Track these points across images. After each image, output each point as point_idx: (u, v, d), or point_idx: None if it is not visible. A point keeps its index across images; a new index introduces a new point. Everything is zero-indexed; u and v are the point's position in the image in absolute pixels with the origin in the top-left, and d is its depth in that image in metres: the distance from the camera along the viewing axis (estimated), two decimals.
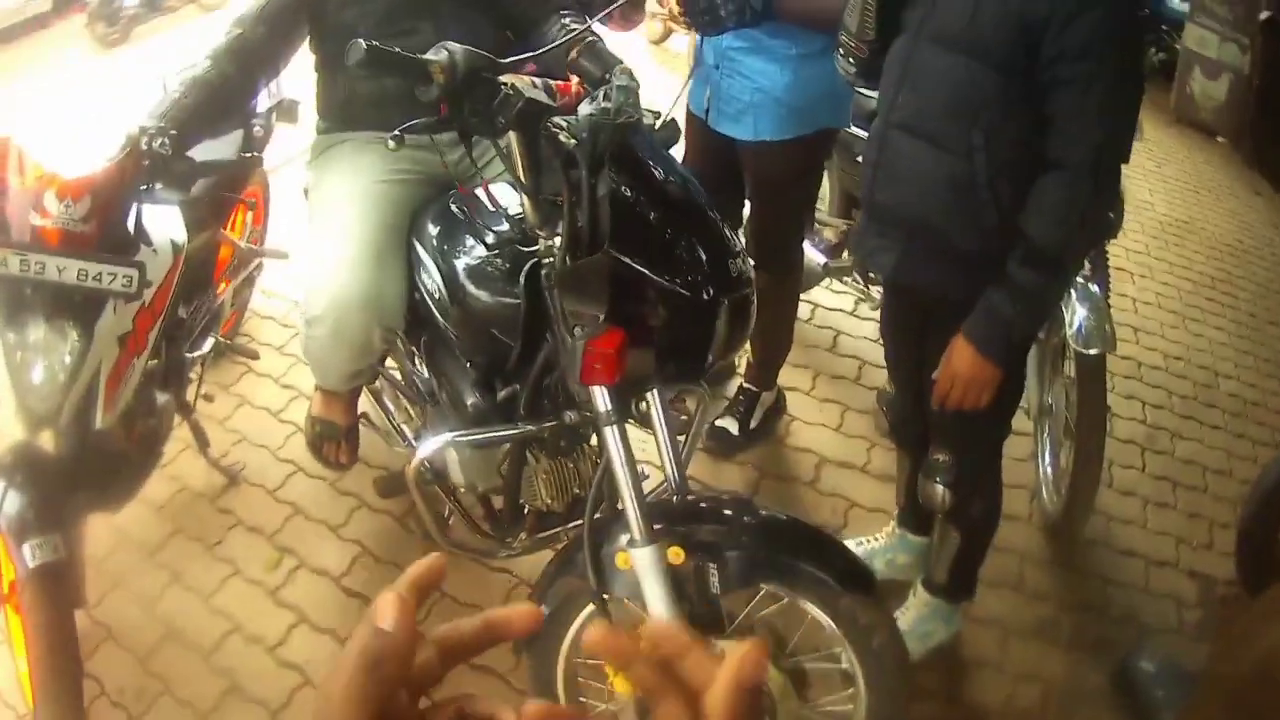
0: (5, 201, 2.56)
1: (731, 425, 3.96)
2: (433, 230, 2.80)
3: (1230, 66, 8.53)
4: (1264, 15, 8.17)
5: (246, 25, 2.89)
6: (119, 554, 3.43)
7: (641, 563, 2.13)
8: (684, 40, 6.49)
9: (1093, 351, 3.31)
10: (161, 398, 3.18)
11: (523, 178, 2.22)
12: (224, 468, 3.74)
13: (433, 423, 2.89)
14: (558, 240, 2.15)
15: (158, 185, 2.73)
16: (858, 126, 4.08)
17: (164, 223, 2.91)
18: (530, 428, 2.52)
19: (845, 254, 4.37)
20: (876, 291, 4.27)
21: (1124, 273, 5.80)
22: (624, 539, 2.19)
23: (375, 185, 2.93)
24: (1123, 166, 2.45)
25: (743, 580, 2.24)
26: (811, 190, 3.88)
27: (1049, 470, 3.85)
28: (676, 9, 3.22)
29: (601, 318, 2.10)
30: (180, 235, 2.94)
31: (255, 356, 4.18)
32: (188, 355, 3.41)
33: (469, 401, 2.64)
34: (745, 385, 4.02)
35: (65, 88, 7.30)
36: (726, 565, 2.19)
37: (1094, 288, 3.42)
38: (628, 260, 2.10)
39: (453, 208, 2.81)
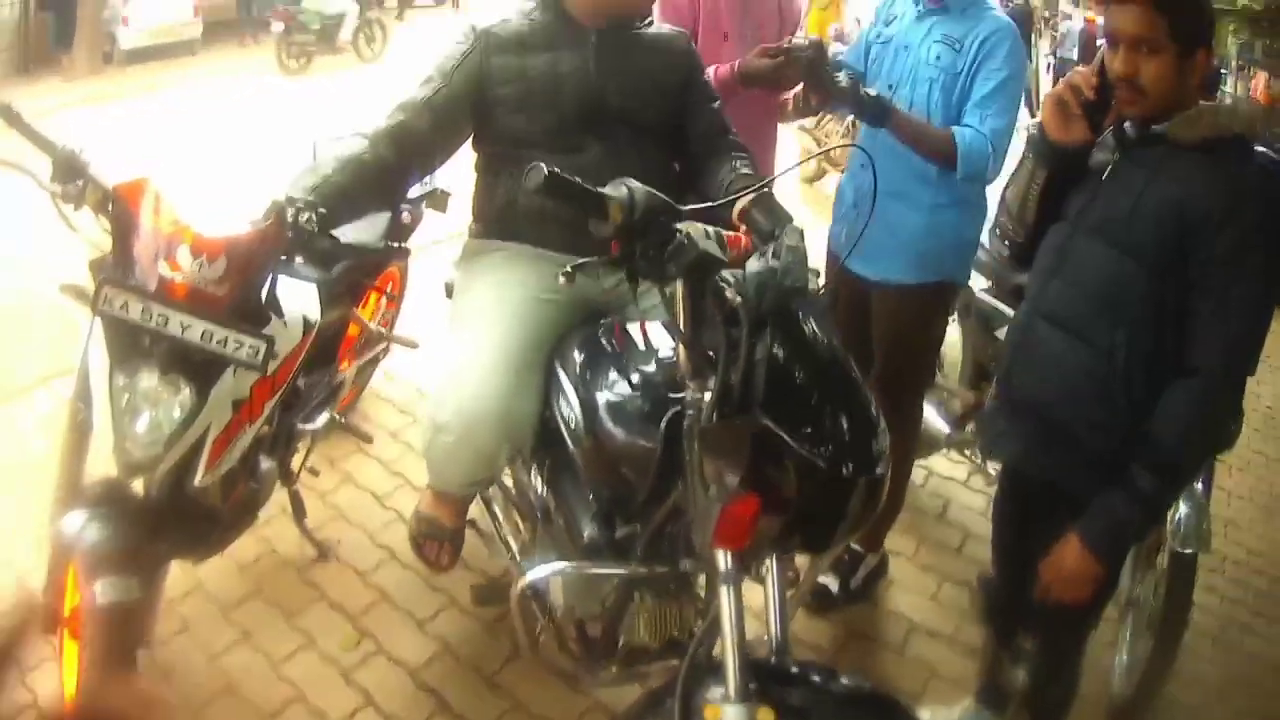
0: (135, 241, 2.62)
1: (832, 583, 3.95)
2: (578, 357, 2.82)
3: None
4: None
5: (410, 113, 2.96)
6: (193, 600, 3.48)
7: (731, 719, 2.12)
8: (835, 180, 6.58)
9: (1188, 551, 3.31)
10: (266, 463, 3.21)
11: (682, 326, 2.22)
12: (317, 541, 3.78)
13: (542, 542, 2.92)
14: (707, 394, 2.15)
15: (298, 259, 2.78)
16: (1000, 300, 4.14)
17: (299, 297, 2.96)
18: (644, 570, 2.54)
19: (968, 427, 4.38)
20: (993, 468, 4.24)
21: (1222, 464, 5.72)
22: (717, 692, 2.16)
23: (523, 301, 2.94)
24: None
25: None
26: (933, 342, 3.94)
27: (1125, 658, 3.81)
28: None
29: (739, 480, 2.10)
30: (314, 313, 2.99)
31: (369, 440, 4.22)
32: (300, 426, 3.46)
33: (585, 532, 2.66)
34: (852, 545, 3.99)
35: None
36: None
37: (1198, 486, 3.42)
38: (774, 427, 2.09)
39: (601, 339, 2.84)
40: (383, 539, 3.94)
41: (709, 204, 2.40)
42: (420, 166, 3.09)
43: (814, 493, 2.16)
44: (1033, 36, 16.29)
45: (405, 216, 3.78)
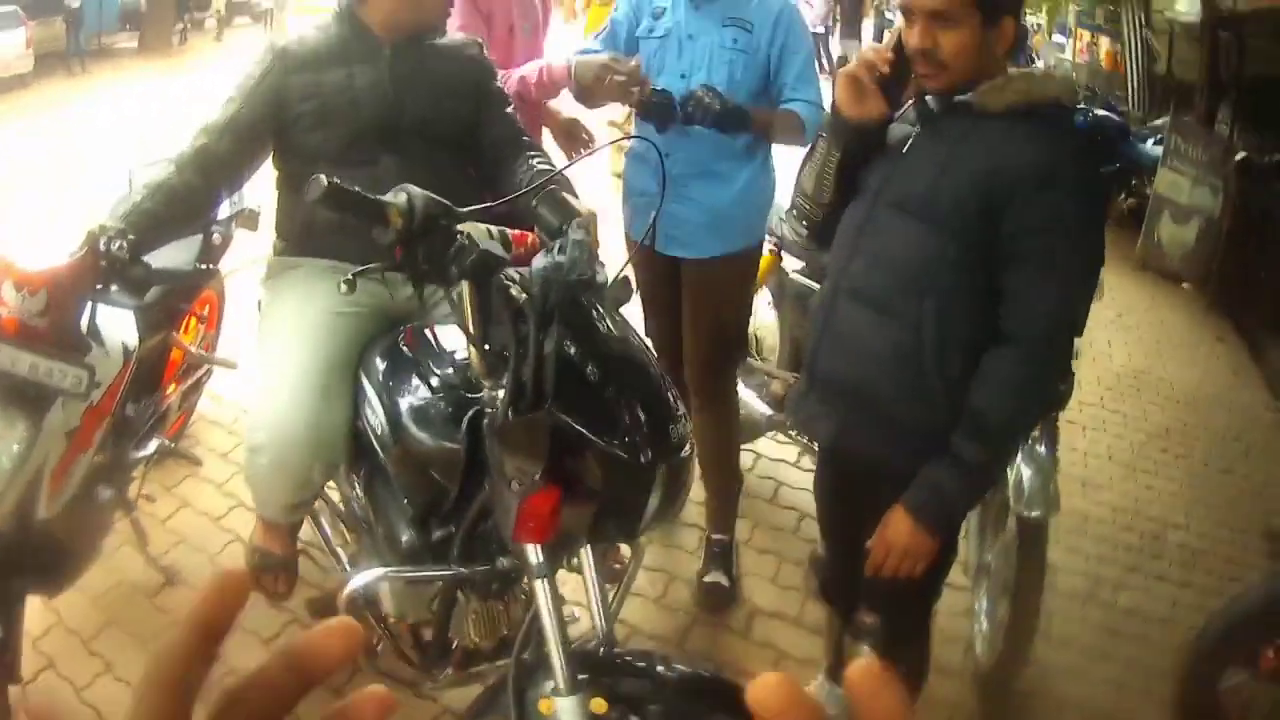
0: None
1: (721, 578, 3.99)
2: (380, 366, 2.85)
3: (1201, 210, 8.77)
4: (1239, 156, 8.41)
5: (212, 136, 2.96)
6: (54, 636, 3.47)
7: (565, 711, 2.15)
8: None
9: (1035, 514, 3.34)
10: (105, 493, 3.23)
11: (470, 328, 2.26)
12: (162, 567, 3.78)
13: (368, 551, 2.92)
14: (501, 392, 2.19)
15: (113, 287, 2.78)
16: (814, 279, 4.22)
17: (117, 325, 2.99)
18: (463, 571, 2.56)
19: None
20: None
21: (1075, 426, 5.83)
22: (548, 686, 2.21)
23: (325, 317, 2.95)
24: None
25: None
26: (746, 308, 4.12)
27: (985, 625, 3.85)
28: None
29: (538, 475, 2.13)
30: (132, 339, 3.04)
31: (198, 463, 4.25)
32: (133, 454, 3.47)
33: (403, 538, 2.68)
34: (715, 537, 4.07)
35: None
36: (647, 717, 2.21)
37: (1040, 449, 3.45)
38: (568, 419, 2.13)
39: (400, 345, 2.87)
40: (223, 559, 3.95)
41: (488, 204, 2.43)
42: (225, 187, 3.11)
43: (616, 482, 2.22)
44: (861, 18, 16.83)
45: (216, 238, 3.78)
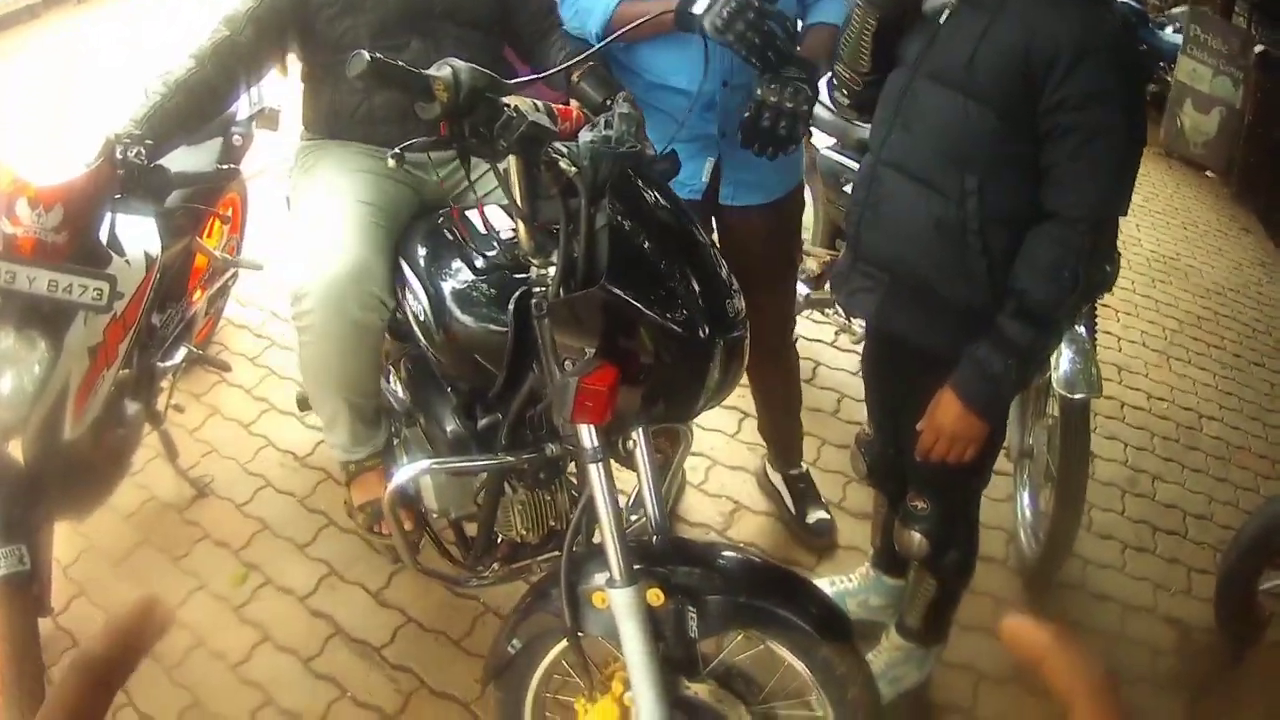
0: None
1: (822, 512, 3.89)
2: (420, 251, 2.79)
3: (1223, 100, 8.69)
4: (1258, 49, 8.30)
5: (234, 26, 2.89)
6: (84, 561, 3.45)
7: (620, 603, 2.14)
8: None
9: (1078, 396, 3.31)
10: (132, 407, 3.20)
11: (519, 203, 2.20)
12: (193, 479, 3.77)
13: (409, 446, 2.90)
14: (551, 270, 2.15)
15: (133, 195, 2.72)
16: (846, 155, 4.11)
17: (138, 233, 2.93)
18: (510, 459, 2.53)
19: (827, 286, 4.34)
20: (859, 325, 4.27)
21: (1109, 309, 5.85)
22: (601, 578, 2.20)
23: (361, 179, 2.94)
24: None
25: (721, 625, 2.25)
26: (799, 240, 3.83)
27: (1028, 513, 3.86)
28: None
29: (593, 354, 2.10)
30: (154, 246, 2.98)
31: (227, 369, 4.19)
32: (160, 365, 3.43)
33: (448, 428, 2.65)
34: (793, 473, 3.96)
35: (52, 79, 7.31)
36: (705, 609, 2.21)
37: (1080, 330, 3.43)
38: (623, 295, 2.08)
39: (443, 228, 2.81)
40: (255, 467, 3.92)
41: (535, 75, 2.37)
42: (246, 80, 3.01)
43: (673, 358, 2.18)
44: None
45: (236, 139, 3.72)
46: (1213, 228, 8.09)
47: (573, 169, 2.05)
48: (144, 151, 2.60)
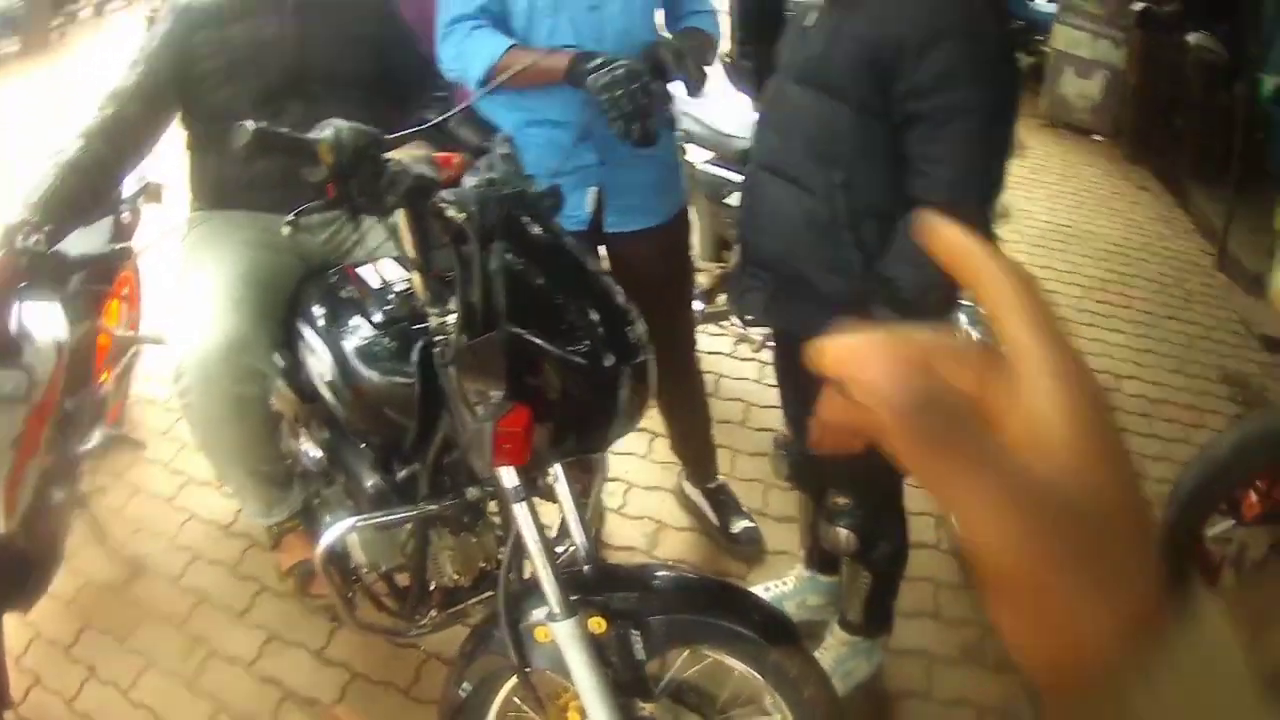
0: None
1: (745, 520, 3.89)
2: (317, 312, 2.82)
3: (1105, 64, 8.84)
4: (1139, 6, 8.46)
5: (119, 103, 2.93)
6: (35, 651, 3.43)
7: (563, 635, 2.16)
8: None
9: None
10: (58, 494, 3.17)
11: (413, 255, 2.24)
12: (125, 558, 3.75)
13: (329, 504, 2.91)
14: (451, 318, 2.17)
15: (36, 283, 2.74)
16: (724, 168, 4.17)
17: (44, 320, 2.92)
18: (432, 507, 2.55)
19: (719, 299, 4.41)
20: (756, 333, 4.33)
21: None
22: (541, 612, 2.22)
23: (243, 249, 2.98)
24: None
25: (666, 643, 2.29)
26: (692, 263, 3.85)
27: None
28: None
29: (504, 396, 2.12)
30: (62, 332, 2.97)
31: (142, 446, 4.19)
32: (78, 449, 3.42)
33: (368, 484, 2.66)
34: (711, 486, 3.96)
35: None
36: (648, 630, 2.23)
37: (982, 309, 3.46)
38: (526, 335, 2.11)
39: (337, 287, 2.85)
40: (183, 540, 3.91)
41: (414, 128, 2.40)
42: (135, 155, 3.04)
43: (582, 391, 2.20)
44: None
45: (126, 216, 3.75)
46: (1108, 190, 8.21)
47: (461, 216, 2.08)
48: (43, 239, 2.61)
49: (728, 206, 4.08)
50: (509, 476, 2.21)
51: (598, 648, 2.19)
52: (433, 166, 2.24)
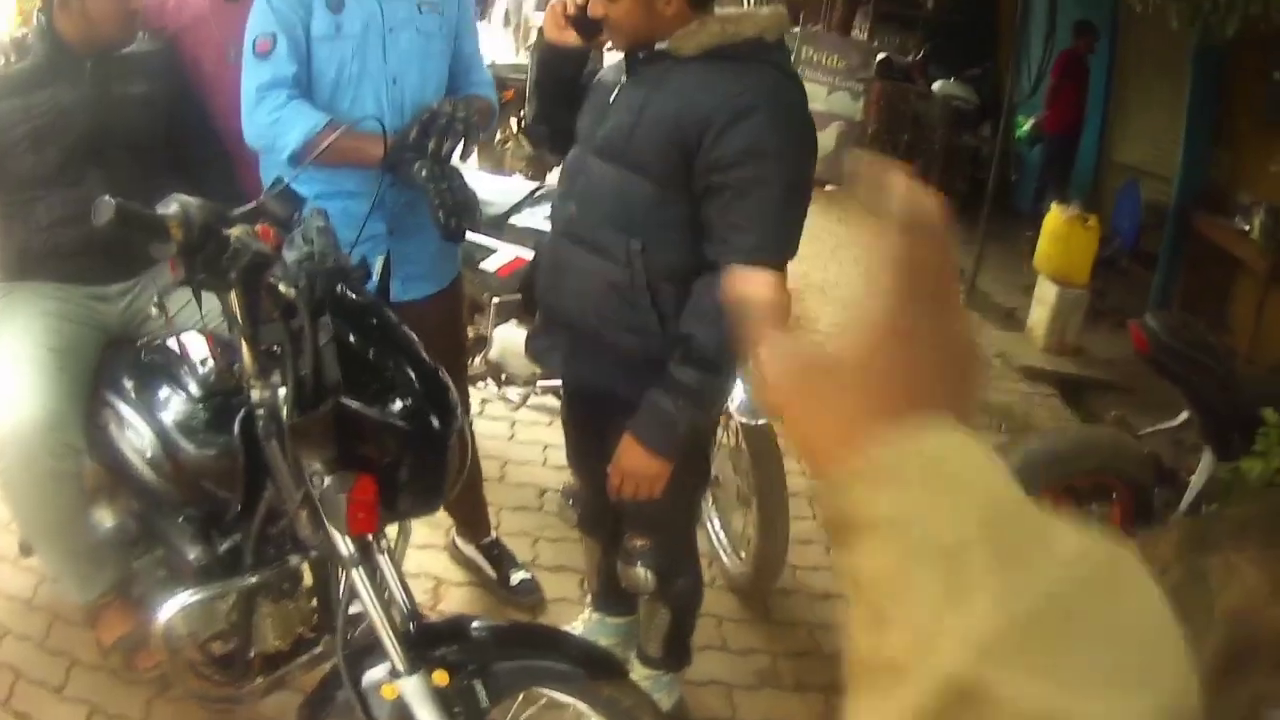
0: None
1: (522, 573, 3.95)
2: (129, 384, 2.83)
3: (840, 115, 9.25)
4: (880, 56, 8.94)
5: None
6: None
7: (411, 691, 2.22)
8: None
9: (760, 422, 3.57)
10: None
11: (243, 328, 2.27)
12: None
13: (143, 575, 2.90)
14: (281, 391, 2.23)
15: None
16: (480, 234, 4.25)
17: None
18: (256, 577, 2.58)
19: (475, 360, 4.43)
20: (513, 393, 4.43)
21: None
22: (381, 671, 2.28)
23: (45, 321, 2.97)
24: None
25: (508, 689, 2.38)
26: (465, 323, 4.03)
27: (722, 535, 4.11)
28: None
29: (345, 466, 2.18)
30: None
31: None
32: None
33: (191, 556, 2.65)
34: (486, 541, 4.02)
35: None
36: (490, 678, 2.32)
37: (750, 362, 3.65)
38: (359, 406, 2.18)
39: (146, 360, 2.87)
40: (51, 645, 3.66)
41: (251, 204, 2.42)
42: None
43: (412, 455, 2.28)
44: None
45: None
46: (844, 239, 8.61)
47: (291, 291, 2.14)
48: None
49: (481, 272, 4.22)
50: (344, 543, 2.27)
51: (444, 700, 2.25)
52: (257, 240, 2.27)
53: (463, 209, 2.90)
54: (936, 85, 9.68)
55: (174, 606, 2.57)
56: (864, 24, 10.27)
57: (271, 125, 3.03)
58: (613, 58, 2.95)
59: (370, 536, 2.36)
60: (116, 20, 3.09)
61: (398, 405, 2.28)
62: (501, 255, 4.28)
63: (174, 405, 2.70)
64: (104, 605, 3.03)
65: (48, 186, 2.95)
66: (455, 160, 3.02)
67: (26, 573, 3.79)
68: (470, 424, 2.43)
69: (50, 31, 3.05)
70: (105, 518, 3.03)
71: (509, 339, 4.11)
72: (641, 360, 2.71)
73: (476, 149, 3.07)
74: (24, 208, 3.02)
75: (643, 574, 3.03)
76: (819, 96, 9.29)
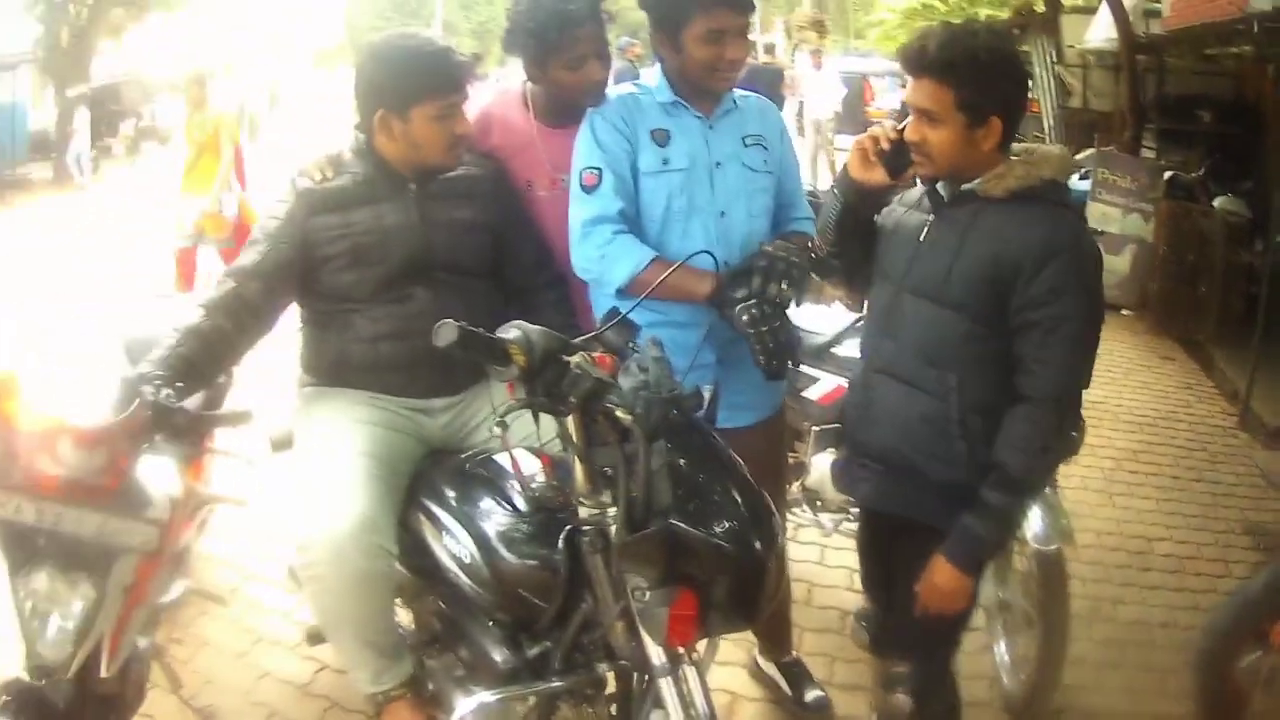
0: (14, 441, 2.59)
1: (817, 690, 3.96)
2: (450, 492, 2.96)
3: (1134, 237, 9.10)
4: (1168, 175, 8.75)
5: (240, 280, 3.05)
6: None
7: None
8: None
9: (1052, 548, 3.60)
10: (144, 642, 3.16)
11: (579, 449, 2.38)
12: (198, 709, 3.73)
13: (438, 675, 3.02)
14: (611, 510, 2.34)
15: (163, 437, 2.78)
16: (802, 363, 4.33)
17: (159, 474, 2.95)
18: (562, 683, 2.65)
19: (793, 486, 4.47)
20: (827, 520, 4.50)
21: None
22: None
23: (364, 426, 3.07)
24: None
25: None
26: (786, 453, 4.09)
27: (1007, 658, 4.07)
28: None
29: (670, 582, 2.27)
30: (176, 487, 3.00)
31: (223, 602, 4.18)
32: (162, 600, 3.38)
33: (498, 659, 2.74)
34: (786, 660, 4.04)
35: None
36: None
37: (1048, 489, 3.62)
38: (688, 528, 2.25)
39: (471, 472, 3.00)
40: (258, 697, 3.93)
41: (593, 333, 2.55)
42: (257, 331, 3.14)
43: (732, 574, 2.33)
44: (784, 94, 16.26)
45: (220, 379, 3.77)
46: (1135, 363, 8.50)
47: (628, 417, 2.25)
48: (173, 394, 2.72)
49: (804, 399, 4.33)
50: (656, 654, 2.38)
51: None
52: (596, 368, 2.38)
53: (784, 351, 2.96)
54: (1218, 202, 9.41)
55: (472, 704, 2.65)
56: (1151, 139, 10.02)
57: (599, 260, 3.15)
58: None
59: (682, 649, 2.45)
60: (441, 145, 3.15)
61: (723, 526, 2.33)
62: (823, 384, 4.38)
63: (497, 516, 2.81)
64: (395, 699, 3.06)
65: (368, 302, 3.04)
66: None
67: (307, 661, 3.97)
68: (784, 547, 2.50)
69: (371, 151, 3.18)
70: (407, 617, 3.15)
71: (827, 467, 4.12)
72: (949, 486, 2.78)
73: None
74: (341, 318, 3.14)
75: (902, 700, 3.05)
76: (1114, 219, 9.25)
